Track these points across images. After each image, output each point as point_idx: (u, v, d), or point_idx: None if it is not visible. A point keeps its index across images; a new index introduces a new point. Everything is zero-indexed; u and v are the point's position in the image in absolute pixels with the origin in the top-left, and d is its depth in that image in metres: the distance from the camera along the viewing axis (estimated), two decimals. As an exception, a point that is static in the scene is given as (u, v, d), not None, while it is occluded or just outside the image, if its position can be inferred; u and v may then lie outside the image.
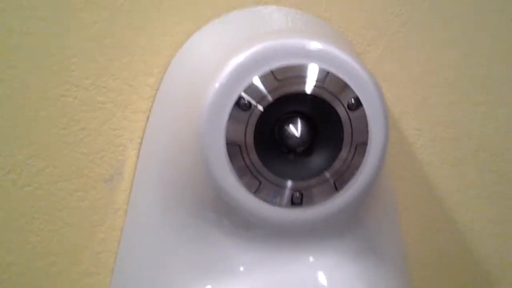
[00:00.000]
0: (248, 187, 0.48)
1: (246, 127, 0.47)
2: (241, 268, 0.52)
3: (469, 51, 0.63)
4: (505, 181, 0.66)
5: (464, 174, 0.65)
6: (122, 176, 0.56)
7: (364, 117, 0.48)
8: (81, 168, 0.55)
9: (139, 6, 0.55)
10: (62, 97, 0.54)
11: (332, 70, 0.47)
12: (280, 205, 0.49)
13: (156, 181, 0.54)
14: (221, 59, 0.48)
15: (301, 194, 0.49)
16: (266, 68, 0.46)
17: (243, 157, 0.47)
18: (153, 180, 0.54)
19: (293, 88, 0.47)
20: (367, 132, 0.48)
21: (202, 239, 0.52)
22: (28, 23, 0.53)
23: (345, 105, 0.47)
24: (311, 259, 0.52)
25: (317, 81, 0.47)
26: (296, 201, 0.49)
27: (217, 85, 0.46)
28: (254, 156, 0.47)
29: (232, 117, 0.46)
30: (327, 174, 0.49)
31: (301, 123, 0.48)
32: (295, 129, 0.48)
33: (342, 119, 0.48)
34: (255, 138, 0.47)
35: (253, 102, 0.46)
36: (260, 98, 0.46)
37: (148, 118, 0.56)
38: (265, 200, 0.49)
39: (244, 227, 0.51)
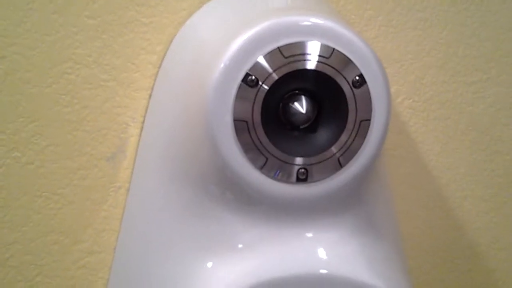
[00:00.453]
0: (255, 163, 0.48)
1: (253, 104, 0.47)
2: (243, 245, 0.52)
3: (461, 32, 0.64)
4: (495, 159, 0.68)
5: (455, 152, 0.67)
6: (125, 154, 0.56)
7: (368, 94, 0.49)
8: (84, 146, 0.55)
9: (141, -17, 0.55)
10: (65, 74, 0.54)
11: (338, 47, 0.48)
12: (285, 181, 0.49)
13: (159, 159, 0.54)
14: (226, 37, 0.48)
15: (306, 170, 0.49)
16: (274, 45, 0.47)
17: (250, 134, 0.48)
18: (156, 158, 0.54)
19: (300, 65, 0.47)
20: (370, 109, 0.49)
21: (205, 216, 0.52)
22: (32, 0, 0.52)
23: (350, 82, 0.48)
24: (311, 235, 0.53)
25: (323, 57, 0.47)
26: (301, 177, 0.49)
27: (224, 62, 0.46)
28: (261, 133, 0.48)
29: (239, 94, 0.47)
30: (332, 151, 0.49)
31: (306, 100, 0.49)
32: (301, 106, 0.49)
33: (347, 96, 0.48)
34: (262, 115, 0.48)
35: (261, 79, 0.47)
36: (267, 75, 0.47)
37: (150, 96, 0.56)
38: (270, 176, 0.49)
39: (249, 203, 0.51)
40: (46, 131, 0.54)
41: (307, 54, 0.47)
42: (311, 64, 0.47)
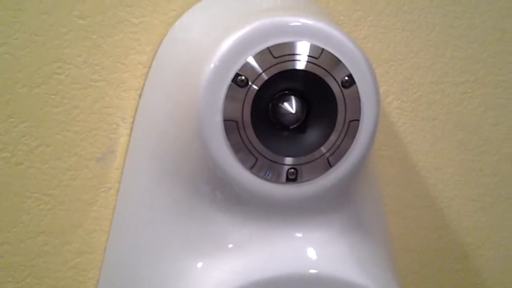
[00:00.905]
0: (244, 163, 0.48)
1: (243, 104, 0.47)
2: (233, 245, 0.52)
3: (449, 33, 0.64)
4: (483, 159, 0.68)
5: (443, 152, 0.67)
6: (115, 155, 0.56)
7: (357, 94, 0.49)
8: (73, 146, 0.55)
9: (131, -17, 0.55)
10: (54, 74, 0.53)
11: (327, 47, 0.48)
12: (275, 181, 0.50)
13: (149, 159, 0.54)
14: (216, 38, 0.48)
15: (296, 170, 0.50)
16: (263, 46, 0.47)
17: (239, 134, 0.48)
18: (146, 158, 0.54)
19: (289, 65, 0.48)
20: (360, 109, 0.49)
21: (195, 216, 0.52)
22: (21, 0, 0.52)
23: (339, 82, 0.48)
24: (301, 234, 0.53)
25: (312, 58, 0.48)
26: (290, 177, 0.50)
27: (214, 62, 0.47)
28: (250, 133, 0.48)
29: (229, 94, 0.47)
30: (321, 151, 0.49)
31: (296, 100, 0.49)
32: (290, 106, 0.49)
33: (336, 96, 0.49)
34: (251, 115, 0.48)
35: (250, 79, 0.47)
36: (257, 75, 0.47)
37: (140, 96, 0.56)
38: (260, 176, 0.49)
39: (239, 203, 0.51)
40: (36, 132, 0.54)
41: (297, 54, 0.47)
42: (300, 64, 0.48)
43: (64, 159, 0.55)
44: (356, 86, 0.49)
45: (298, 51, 0.47)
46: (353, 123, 0.50)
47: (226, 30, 0.48)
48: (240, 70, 0.47)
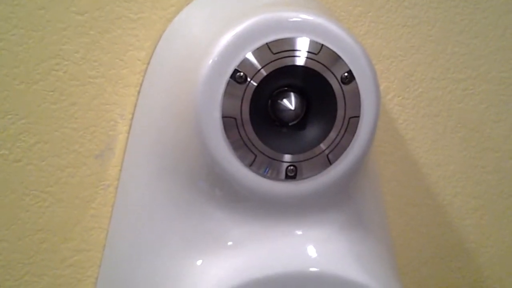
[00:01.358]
0: (243, 160, 0.48)
1: (242, 100, 0.47)
2: (232, 242, 0.52)
3: (450, 29, 0.64)
4: (485, 156, 0.68)
5: (444, 149, 0.67)
6: (113, 152, 0.56)
7: (357, 90, 0.49)
8: (72, 143, 0.55)
9: (130, -21, 0.55)
10: (52, 71, 0.53)
11: (326, 43, 0.48)
12: (274, 178, 0.49)
13: (148, 156, 0.54)
14: (214, 33, 0.48)
15: (295, 167, 0.49)
16: (262, 41, 0.47)
17: (238, 131, 0.47)
18: (145, 155, 0.54)
19: (288, 61, 0.47)
20: (359, 105, 0.49)
21: (194, 213, 0.52)
22: (19, -5, 0.52)
23: (338, 79, 0.48)
24: (301, 232, 0.53)
25: (311, 53, 0.47)
26: (290, 174, 0.49)
27: (213, 58, 0.46)
28: (249, 130, 0.48)
29: (228, 90, 0.46)
30: (321, 147, 0.49)
31: (295, 97, 0.49)
32: (289, 102, 0.48)
33: (336, 92, 0.48)
34: (250, 112, 0.47)
35: (249, 75, 0.46)
36: (256, 71, 0.47)
37: (139, 92, 0.56)
38: (259, 173, 0.49)
39: (238, 200, 0.51)
40: (34, 128, 0.54)
41: (296, 50, 0.47)
42: (299, 60, 0.47)
43: (63, 156, 0.55)
44: (356, 82, 0.48)
45: (297, 47, 0.47)
46: (353, 120, 0.49)
47: (225, 26, 0.48)
48: (238, 66, 0.46)
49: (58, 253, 0.56)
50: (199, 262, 0.51)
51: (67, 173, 0.55)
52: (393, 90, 0.64)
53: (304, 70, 0.48)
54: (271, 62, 0.47)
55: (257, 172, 0.49)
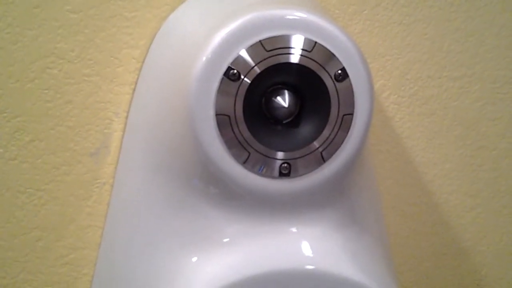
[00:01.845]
0: (237, 157, 0.48)
1: (236, 98, 0.47)
2: (227, 239, 0.52)
3: (446, 27, 0.64)
4: (481, 154, 0.68)
5: (440, 148, 0.67)
6: (108, 150, 0.56)
7: (350, 88, 0.49)
8: (67, 141, 0.55)
9: (124, -23, 0.55)
10: (47, 69, 0.53)
11: (320, 40, 0.48)
12: (268, 175, 0.49)
13: (142, 154, 0.54)
14: (208, 31, 0.48)
15: (289, 165, 0.49)
16: (255, 39, 0.47)
17: (232, 128, 0.48)
18: (140, 153, 0.54)
19: (282, 59, 0.47)
20: (353, 103, 0.49)
21: (189, 211, 0.52)
22: (13, -7, 0.52)
23: (332, 76, 0.48)
24: (296, 229, 0.53)
25: (305, 51, 0.47)
26: (284, 172, 0.49)
27: (206, 56, 0.46)
28: (243, 127, 0.48)
29: (221, 88, 0.47)
30: (314, 145, 0.49)
31: (289, 94, 0.49)
32: (283, 100, 0.49)
33: (329, 90, 0.48)
34: (244, 109, 0.47)
35: (243, 73, 0.47)
36: (249, 68, 0.47)
37: (134, 90, 0.56)
38: (253, 171, 0.49)
39: (232, 197, 0.51)
40: (29, 127, 0.54)
41: (289, 47, 0.47)
42: (293, 58, 0.47)
43: (58, 154, 0.55)
44: (350, 80, 0.49)
45: (290, 44, 0.47)
46: (347, 117, 0.49)
47: (218, 24, 0.48)
48: (232, 63, 0.46)
49: (53, 251, 0.56)
50: (194, 259, 0.52)
51: (63, 171, 0.55)
52: (388, 88, 0.64)
53: (297, 67, 0.48)
54: (264, 59, 0.47)
55: (251, 169, 0.49)
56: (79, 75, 0.54)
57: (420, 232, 0.68)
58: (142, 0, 0.55)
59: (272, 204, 0.52)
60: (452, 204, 0.68)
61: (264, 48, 0.47)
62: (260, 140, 0.48)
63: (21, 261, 0.56)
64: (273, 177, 0.49)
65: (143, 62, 0.55)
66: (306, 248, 0.52)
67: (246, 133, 0.48)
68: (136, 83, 0.56)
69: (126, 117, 0.56)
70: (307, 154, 0.49)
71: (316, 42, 0.47)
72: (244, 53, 0.46)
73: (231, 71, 0.46)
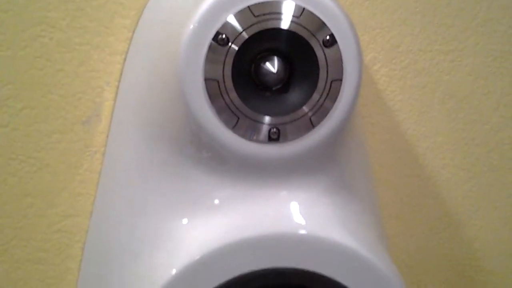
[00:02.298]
0: (226, 122, 0.49)
1: (224, 63, 0.47)
2: (217, 202, 0.53)
3: (437, 0, 0.64)
4: (472, 127, 0.68)
5: (432, 121, 0.67)
6: (100, 118, 0.56)
7: (339, 54, 0.49)
8: (58, 109, 0.55)
9: None
10: (38, 37, 0.54)
11: (308, 7, 0.48)
12: (257, 140, 0.50)
13: (134, 122, 0.54)
14: (197, -1, 0.49)
15: (278, 130, 0.50)
16: (244, 4, 0.47)
17: (221, 93, 0.48)
18: (131, 121, 0.55)
19: (270, 24, 0.48)
20: (342, 69, 0.49)
21: (180, 177, 0.53)
22: (4, -39, 0.53)
23: (321, 42, 0.49)
24: (285, 194, 0.54)
25: (293, 17, 0.48)
26: (273, 137, 0.50)
27: (194, 22, 0.47)
28: (232, 92, 0.48)
29: (210, 53, 0.47)
30: (303, 110, 0.50)
31: (278, 60, 0.49)
32: (272, 66, 0.49)
33: (318, 55, 0.49)
34: (233, 75, 0.48)
35: (231, 38, 0.47)
36: (237, 34, 0.47)
37: (125, 60, 0.56)
38: (242, 135, 0.50)
39: (223, 163, 0.52)
40: (21, 94, 0.54)
41: (277, 13, 0.48)
42: (280, 23, 0.48)
43: (49, 122, 0.55)
44: (338, 46, 0.49)
45: (278, 9, 0.47)
46: (335, 83, 0.50)
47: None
48: (220, 28, 0.47)
49: (45, 218, 0.57)
50: (185, 221, 0.52)
51: (54, 138, 0.56)
52: (379, 61, 0.64)
53: (285, 33, 0.48)
54: (252, 25, 0.47)
55: (240, 134, 0.49)
56: (70, 43, 0.55)
57: (412, 205, 0.68)
58: (132, -32, 0.55)
59: (262, 169, 0.52)
60: (444, 177, 0.69)
61: (252, 13, 0.47)
62: (249, 105, 0.49)
63: (13, 227, 0.56)
64: (262, 142, 0.50)
65: (133, 31, 0.56)
66: (296, 213, 0.53)
67: (235, 98, 0.48)
68: (127, 52, 0.56)
69: (117, 86, 0.56)
70: (296, 119, 0.50)
71: (304, 8, 0.48)
72: (231, 19, 0.47)
73: (220, 35, 0.47)
